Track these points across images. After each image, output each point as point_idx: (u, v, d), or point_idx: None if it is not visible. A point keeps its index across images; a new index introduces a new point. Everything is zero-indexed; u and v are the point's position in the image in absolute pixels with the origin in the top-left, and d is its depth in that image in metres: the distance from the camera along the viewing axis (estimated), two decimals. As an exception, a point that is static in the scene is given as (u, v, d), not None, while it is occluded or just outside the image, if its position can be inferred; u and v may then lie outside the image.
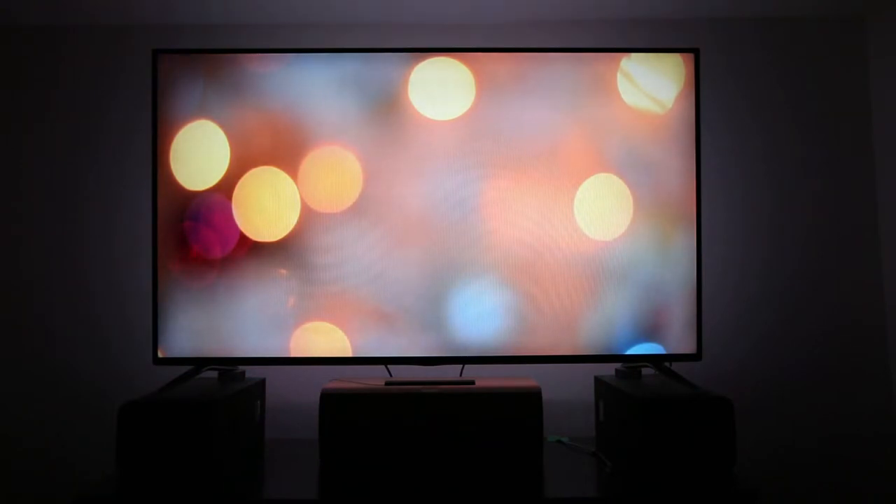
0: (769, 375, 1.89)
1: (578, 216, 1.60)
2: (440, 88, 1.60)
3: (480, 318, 1.60)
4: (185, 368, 1.60)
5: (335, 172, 1.60)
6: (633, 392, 1.45)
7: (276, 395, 1.80)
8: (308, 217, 1.59)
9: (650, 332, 1.61)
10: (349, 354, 1.59)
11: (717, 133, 1.91)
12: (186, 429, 1.39)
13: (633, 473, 1.41)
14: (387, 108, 1.60)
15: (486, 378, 1.66)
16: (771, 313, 1.90)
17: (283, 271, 1.59)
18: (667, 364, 1.62)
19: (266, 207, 1.59)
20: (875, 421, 1.88)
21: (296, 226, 1.59)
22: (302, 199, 1.59)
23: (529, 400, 1.51)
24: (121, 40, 1.94)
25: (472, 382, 1.60)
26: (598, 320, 1.60)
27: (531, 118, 1.60)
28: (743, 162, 1.92)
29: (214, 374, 1.65)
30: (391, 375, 1.70)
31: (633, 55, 1.62)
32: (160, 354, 1.59)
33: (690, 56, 1.62)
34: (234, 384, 1.59)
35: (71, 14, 1.88)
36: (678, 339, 1.61)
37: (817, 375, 1.89)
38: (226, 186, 1.59)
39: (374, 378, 1.65)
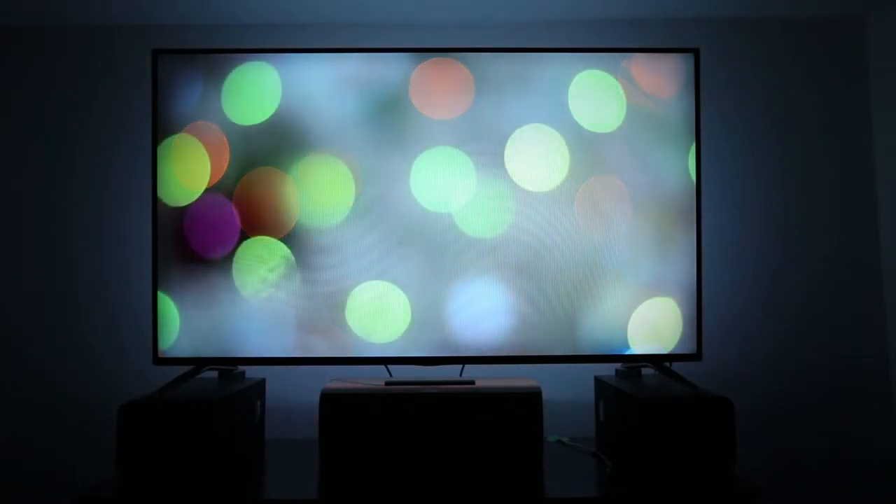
0: (769, 375, 1.89)
1: (578, 216, 1.60)
2: (440, 88, 1.60)
3: (480, 318, 1.60)
4: (185, 368, 1.60)
5: (336, 172, 1.60)
6: (633, 392, 1.45)
7: (276, 395, 1.80)
8: (308, 217, 1.59)
9: (650, 331, 1.61)
10: (349, 354, 1.59)
11: (717, 133, 1.91)
12: (186, 429, 1.39)
13: (633, 473, 1.41)
14: (387, 107, 1.60)
15: (486, 378, 1.66)
16: (771, 313, 1.90)
17: (284, 271, 1.59)
18: (667, 364, 1.62)
19: (266, 207, 1.59)
20: (875, 420, 1.88)
21: (296, 226, 1.59)
22: (302, 199, 1.59)
23: (529, 400, 1.51)
24: (121, 40, 1.94)
25: (472, 382, 1.60)
26: (598, 320, 1.60)
27: (531, 118, 1.60)
28: (743, 162, 1.92)
29: (214, 374, 1.65)
30: (391, 375, 1.70)
31: (634, 55, 1.62)
32: (160, 354, 1.59)
33: (690, 56, 1.62)
34: (234, 384, 1.59)
35: (71, 14, 1.88)
36: (678, 338, 1.61)
37: (817, 375, 1.89)
38: (226, 186, 1.59)
39: (374, 378, 1.65)
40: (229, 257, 1.59)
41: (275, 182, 1.59)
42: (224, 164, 1.60)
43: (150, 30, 1.94)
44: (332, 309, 1.59)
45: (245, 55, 1.61)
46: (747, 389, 1.86)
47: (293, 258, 1.59)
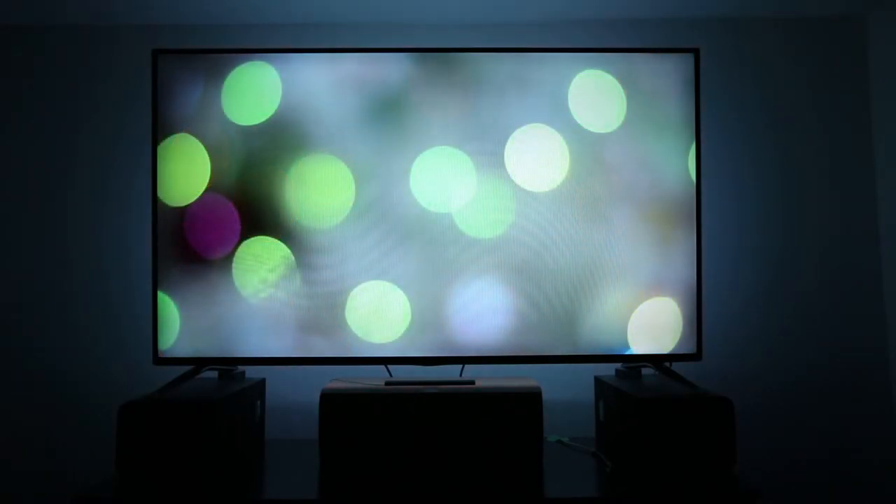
0: (769, 375, 1.89)
1: (578, 216, 1.60)
2: (440, 88, 1.60)
3: (480, 317, 1.60)
4: (185, 368, 1.60)
5: (336, 172, 1.60)
6: (633, 392, 1.45)
7: (276, 395, 1.80)
8: (308, 217, 1.59)
9: (650, 331, 1.61)
10: (349, 354, 1.59)
11: (717, 133, 1.91)
12: (186, 429, 1.39)
13: (633, 473, 1.41)
14: (387, 107, 1.60)
15: (486, 378, 1.66)
16: (771, 313, 1.90)
17: (284, 271, 1.59)
18: (667, 364, 1.62)
19: (266, 207, 1.59)
20: (875, 420, 1.88)
21: (296, 226, 1.59)
22: (302, 199, 1.59)
23: (529, 400, 1.51)
24: (121, 40, 1.94)
25: (472, 382, 1.60)
26: (598, 320, 1.60)
27: (531, 118, 1.60)
28: (743, 162, 1.92)
29: (214, 374, 1.65)
30: (391, 375, 1.70)
31: (634, 55, 1.62)
32: (160, 354, 1.59)
33: (690, 56, 1.62)
34: (234, 384, 1.59)
35: (71, 14, 1.88)
36: (678, 338, 1.61)
37: (817, 375, 1.89)
38: (226, 186, 1.59)
39: (374, 378, 1.65)
40: (229, 257, 1.59)
41: (275, 182, 1.59)
42: (224, 164, 1.60)
43: (150, 30, 1.94)
44: (332, 309, 1.59)
45: (245, 55, 1.61)
46: (747, 389, 1.86)
47: (293, 258, 1.59)
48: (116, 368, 1.87)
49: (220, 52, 1.62)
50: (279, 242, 1.59)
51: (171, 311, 1.59)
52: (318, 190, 1.59)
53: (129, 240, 1.90)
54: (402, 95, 1.60)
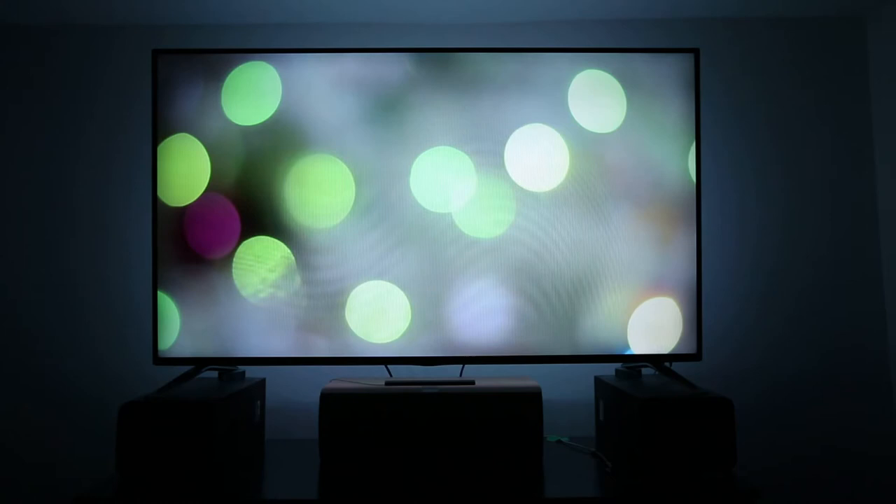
0: (769, 374, 1.89)
1: (578, 216, 1.60)
2: (440, 88, 1.60)
3: (480, 317, 1.60)
4: (185, 368, 1.60)
5: (336, 172, 1.60)
6: (633, 392, 1.45)
7: (276, 395, 1.81)
8: (308, 217, 1.59)
9: (650, 331, 1.61)
10: (349, 354, 1.59)
11: (717, 133, 1.91)
12: (186, 429, 1.39)
13: (633, 473, 1.41)
14: (387, 107, 1.60)
15: (486, 378, 1.66)
16: (771, 313, 1.90)
17: (284, 271, 1.59)
18: (667, 364, 1.62)
19: (266, 207, 1.59)
20: (875, 419, 1.88)
21: (296, 226, 1.59)
22: (302, 199, 1.59)
23: (529, 400, 1.51)
24: (121, 40, 1.94)
25: (472, 382, 1.60)
26: (598, 320, 1.60)
27: (531, 118, 1.60)
28: (743, 162, 1.92)
29: (214, 374, 1.65)
30: (391, 375, 1.70)
31: (633, 55, 1.62)
32: (160, 354, 1.59)
33: (690, 56, 1.62)
34: (234, 384, 1.59)
35: (71, 14, 1.88)
36: (678, 338, 1.61)
37: (818, 374, 1.89)
38: (226, 186, 1.59)
39: (374, 378, 1.65)
40: (229, 257, 1.59)
41: (275, 182, 1.59)
42: (224, 164, 1.60)
43: (150, 30, 1.94)
44: (332, 309, 1.59)
45: (245, 55, 1.61)
46: (747, 389, 1.86)
47: (293, 258, 1.59)
48: (116, 368, 1.87)
49: (220, 52, 1.62)
50: (279, 242, 1.59)
51: (171, 311, 1.59)
52: (318, 190, 1.59)
53: (129, 240, 1.90)
54: (402, 95, 1.60)
